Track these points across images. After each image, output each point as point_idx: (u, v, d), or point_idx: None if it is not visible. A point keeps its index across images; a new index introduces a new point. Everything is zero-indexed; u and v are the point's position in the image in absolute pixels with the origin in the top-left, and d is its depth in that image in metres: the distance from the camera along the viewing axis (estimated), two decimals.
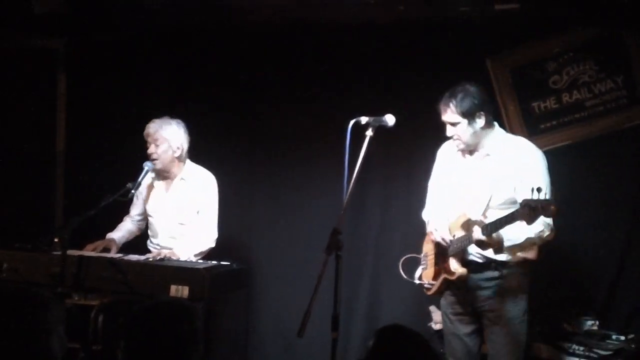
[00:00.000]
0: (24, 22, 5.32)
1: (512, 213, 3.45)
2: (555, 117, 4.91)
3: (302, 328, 3.28)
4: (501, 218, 3.54)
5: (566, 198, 4.74)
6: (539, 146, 4.66)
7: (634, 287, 4.70)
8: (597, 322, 4.55)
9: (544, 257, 4.10)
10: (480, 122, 3.80)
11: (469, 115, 3.78)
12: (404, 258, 4.25)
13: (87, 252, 4.46)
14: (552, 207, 3.29)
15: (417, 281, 4.18)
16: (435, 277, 4.03)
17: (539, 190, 3.28)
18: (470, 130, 3.81)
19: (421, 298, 4.75)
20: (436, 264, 4.04)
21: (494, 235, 3.59)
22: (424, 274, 4.15)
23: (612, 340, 4.39)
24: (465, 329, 4.02)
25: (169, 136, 4.61)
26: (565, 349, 4.34)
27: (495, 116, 3.98)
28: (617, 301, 4.71)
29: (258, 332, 5.38)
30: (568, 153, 4.83)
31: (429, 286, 4.08)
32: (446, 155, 4.09)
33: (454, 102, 3.79)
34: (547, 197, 3.32)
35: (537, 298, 4.51)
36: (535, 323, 4.48)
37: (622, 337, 4.41)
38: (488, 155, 3.87)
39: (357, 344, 5.12)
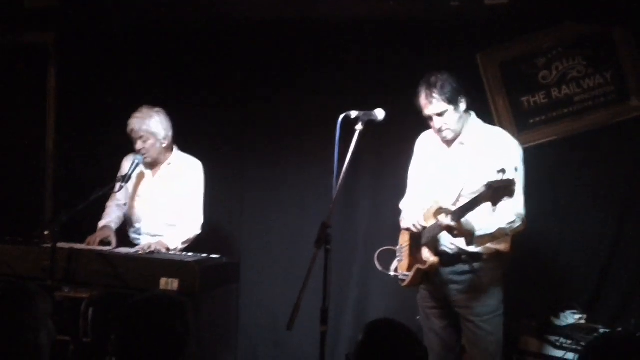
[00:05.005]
0: (14, 17, 5.31)
1: (477, 196, 3.42)
2: (544, 112, 4.92)
3: (291, 321, 3.29)
4: (467, 202, 3.51)
5: (554, 192, 4.80)
6: (528, 141, 4.73)
7: (620, 282, 4.72)
8: (584, 316, 4.59)
9: (531, 251, 4.11)
10: (463, 105, 3.80)
11: (454, 100, 3.77)
12: (379, 250, 4.23)
13: (84, 245, 4.43)
14: (513, 187, 3.30)
15: (392, 273, 4.15)
16: (409, 268, 4.00)
17: (503, 171, 3.30)
18: (457, 115, 3.80)
19: (410, 291, 4.78)
20: (410, 254, 4.01)
21: (464, 223, 3.56)
22: (400, 265, 4.12)
23: (599, 334, 4.41)
24: (440, 323, 4.00)
25: (154, 129, 4.56)
26: (552, 342, 4.37)
27: (473, 106, 3.93)
28: (603, 295, 4.74)
29: (248, 325, 5.39)
30: (557, 148, 4.86)
31: (403, 278, 4.04)
32: (423, 145, 4.08)
33: (436, 91, 3.77)
34: (509, 177, 3.32)
35: (524, 292, 4.56)
36: (523, 317, 4.52)
37: (609, 331, 4.44)
38: (462, 144, 3.86)
39: (346, 338, 5.15)
